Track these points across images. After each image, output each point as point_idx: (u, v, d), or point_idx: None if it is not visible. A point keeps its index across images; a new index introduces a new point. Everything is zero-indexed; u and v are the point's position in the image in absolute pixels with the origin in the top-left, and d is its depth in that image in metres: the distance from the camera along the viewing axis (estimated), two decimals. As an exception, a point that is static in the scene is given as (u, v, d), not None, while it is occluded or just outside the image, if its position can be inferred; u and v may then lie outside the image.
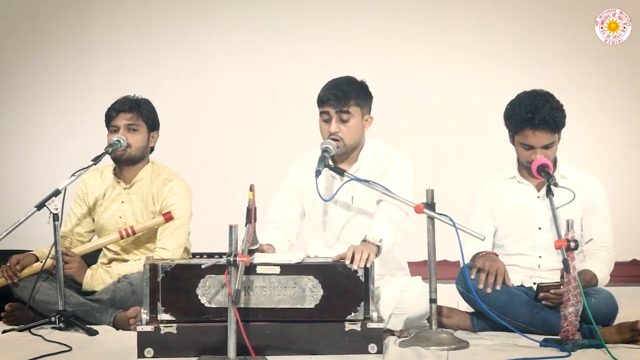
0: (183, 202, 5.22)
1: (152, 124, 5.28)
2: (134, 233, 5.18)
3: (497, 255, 4.74)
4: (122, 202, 5.28)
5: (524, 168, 4.78)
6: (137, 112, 5.21)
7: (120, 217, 5.27)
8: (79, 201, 5.37)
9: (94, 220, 5.37)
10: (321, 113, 4.69)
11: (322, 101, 4.68)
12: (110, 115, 5.20)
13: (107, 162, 5.29)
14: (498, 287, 4.51)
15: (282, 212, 4.86)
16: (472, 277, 4.55)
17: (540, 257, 4.76)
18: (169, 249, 5.11)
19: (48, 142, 7.67)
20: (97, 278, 5.10)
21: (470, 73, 7.42)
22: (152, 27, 7.63)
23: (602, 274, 4.60)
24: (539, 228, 4.76)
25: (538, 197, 4.79)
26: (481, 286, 4.52)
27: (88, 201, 5.35)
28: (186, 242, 5.27)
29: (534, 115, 4.60)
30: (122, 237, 5.18)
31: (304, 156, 4.92)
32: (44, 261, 5.00)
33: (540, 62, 7.31)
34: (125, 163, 5.22)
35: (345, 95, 4.64)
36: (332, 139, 4.62)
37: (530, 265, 4.76)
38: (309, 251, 4.77)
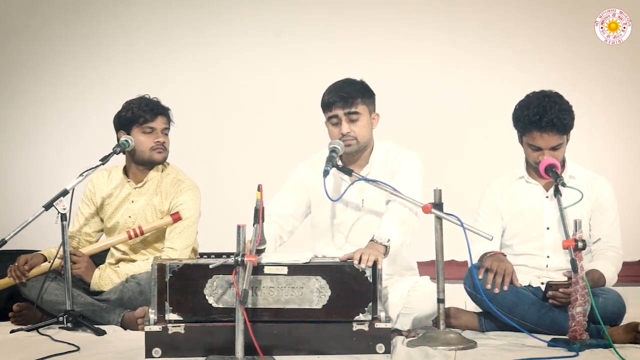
0: (192, 202, 5.23)
1: (170, 123, 5.33)
2: (142, 233, 5.18)
3: (505, 255, 4.74)
4: (132, 201, 5.29)
5: (533, 168, 4.78)
6: (168, 116, 5.28)
7: (130, 216, 5.28)
8: (87, 201, 5.38)
9: (102, 220, 5.37)
10: (329, 117, 4.69)
11: (328, 105, 4.68)
12: (146, 118, 5.19)
13: (116, 162, 5.29)
14: (505, 288, 4.52)
15: (280, 207, 4.85)
16: (480, 277, 4.55)
17: (548, 257, 4.76)
18: (177, 248, 5.12)
19: (51, 142, 7.68)
20: (105, 278, 5.11)
21: (473, 73, 7.44)
22: (159, 26, 7.63)
23: (610, 273, 4.60)
24: (547, 228, 4.76)
25: (546, 197, 4.79)
26: (489, 286, 4.52)
27: (96, 201, 5.35)
28: (194, 242, 5.27)
29: (542, 118, 4.59)
30: (130, 237, 5.18)
31: (313, 158, 4.91)
32: (51, 261, 5.01)
33: (540, 62, 7.33)
34: (152, 165, 5.25)
35: (350, 96, 4.66)
36: (346, 140, 4.63)
37: (538, 265, 4.75)
38: (318, 252, 4.77)
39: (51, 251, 5.10)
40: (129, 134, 5.21)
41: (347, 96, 4.65)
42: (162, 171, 5.30)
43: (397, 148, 4.81)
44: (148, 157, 5.21)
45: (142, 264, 5.15)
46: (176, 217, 5.17)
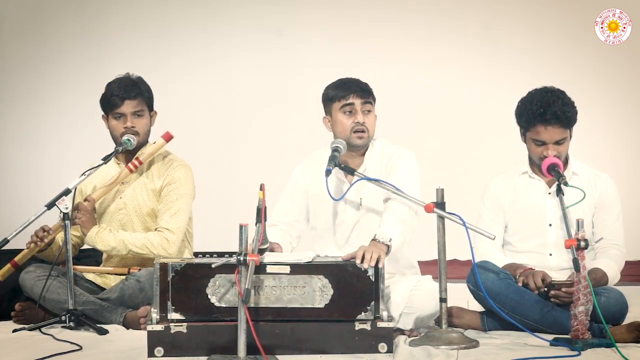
0: (185, 180, 5.22)
1: (151, 104, 5.28)
2: (140, 163, 5.16)
3: (533, 268, 4.68)
4: (123, 183, 5.26)
5: (536, 165, 4.78)
6: (141, 96, 5.21)
7: (121, 197, 5.25)
8: (77, 193, 5.27)
9: (95, 209, 5.31)
10: (343, 106, 4.69)
11: (343, 95, 4.69)
12: (114, 103, 5.14)
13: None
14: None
15: (284, 215, 4.87)
16: (520, 284, 4.55)
17: (550, 254, 4.76)
18: (173, 230, 5.10)
19: (52, 141, 7.69)
20: (102, 237, 5.07)
21: (474, 73, 7.48)
22: (160, 26, 7.65)
23: (613, 272, 4.61)
24: (550, 225, 4.77)
25: (549, 193, 4.79)
26: (536, 292, 4.51)
27: (86, 192, 5.29)
28: (189, 225, 5.27)
29: (546, 110, 4.61)
30: (131, 171, 5.16)
31: (308, 160, 4.94)
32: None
33: (540, 62, 7.35)
34: (133, 150, 5.21)
35: (366, 88, 4.73)
36: (359, 130, 4.66)
37: (541, 263, 4.74)
38: (319, 253, 4.76)
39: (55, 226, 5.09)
40: (107, 117, 5.22)
41: (364, 88, 4.72)
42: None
43: (391, 146, 4.82)
44: (121, 142, 5.15)
45: (138, 235, 5.11)
46: (167, 137, 5.18)
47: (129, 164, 5.14)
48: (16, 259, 5.07)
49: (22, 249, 5.14)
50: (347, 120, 4.69)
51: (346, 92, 4.69)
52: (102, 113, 5.27)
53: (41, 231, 5.02)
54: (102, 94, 5.25)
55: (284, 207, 4.89)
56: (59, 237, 5.15)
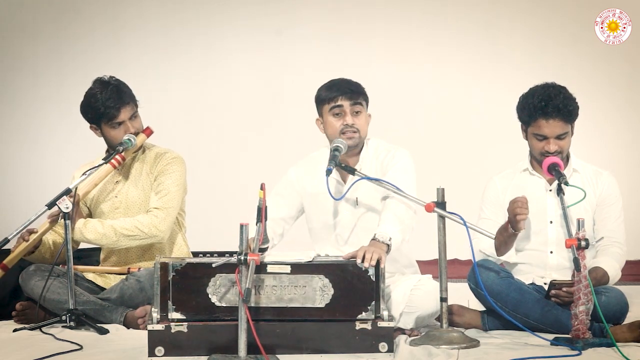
0: (177, 169, 5.22)
1: (136, 100, 5.25)
2: (123, 159, 5.14)
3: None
4: (116, 182, 5.27)
5: (537, 161, 4.78)
6: (130, 99, 5.19)
7: (117, 196, 5.25)
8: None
9: (89, 208, 5.32)
10: (332, 108, 4.70)
11: (332, 97, 4.70)
12: (112, 115, 5.11)
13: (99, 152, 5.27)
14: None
15: (271, 211, 4.76)
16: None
17: (551, 252, 4.76)
18: (161, 207, 5.11)
19: (52, 141, 7.70)
20: (90, 227, 5.05)
21: (473, 73, 7.50)
22: (160, 25, 7.65)
23: (614, 270, 4.60)
24: (550, 222, 4.76)
25: (549, 190, 4.79)
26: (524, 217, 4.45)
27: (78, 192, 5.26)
28: (181, 210, 5.28)
29: (547, 104, 4.62)
30: (114, 167, 5.12)
31: (303, 161, 4.94)
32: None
33: (540, 62, 7.36)
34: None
35: (356, 90, 4.72)
36: (348, 132, 4.66)
37: (541, 261, 4.76)
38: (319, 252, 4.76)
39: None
40: (99, 127, 5.18)
41: (354, 89, 4.71)
42: (143, 152, 5.30)
43: (386, 145, 4.83)
44: (121, 142, 5.12)
45: (127, 219, 5.11)
46: (148, 132, 5.18)
47: (112, 160, 5.09)
48: (5, 261, 5.04)
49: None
50: (337, 122, 4.69)
51: (335, 94, 4.70)
52: (90, 124, 5.24)
53: (27, 233, 5.00)
54: (85, 105, 5.20)
55: (273, 204, 4.81)
56: (47, 238, 5.16)
